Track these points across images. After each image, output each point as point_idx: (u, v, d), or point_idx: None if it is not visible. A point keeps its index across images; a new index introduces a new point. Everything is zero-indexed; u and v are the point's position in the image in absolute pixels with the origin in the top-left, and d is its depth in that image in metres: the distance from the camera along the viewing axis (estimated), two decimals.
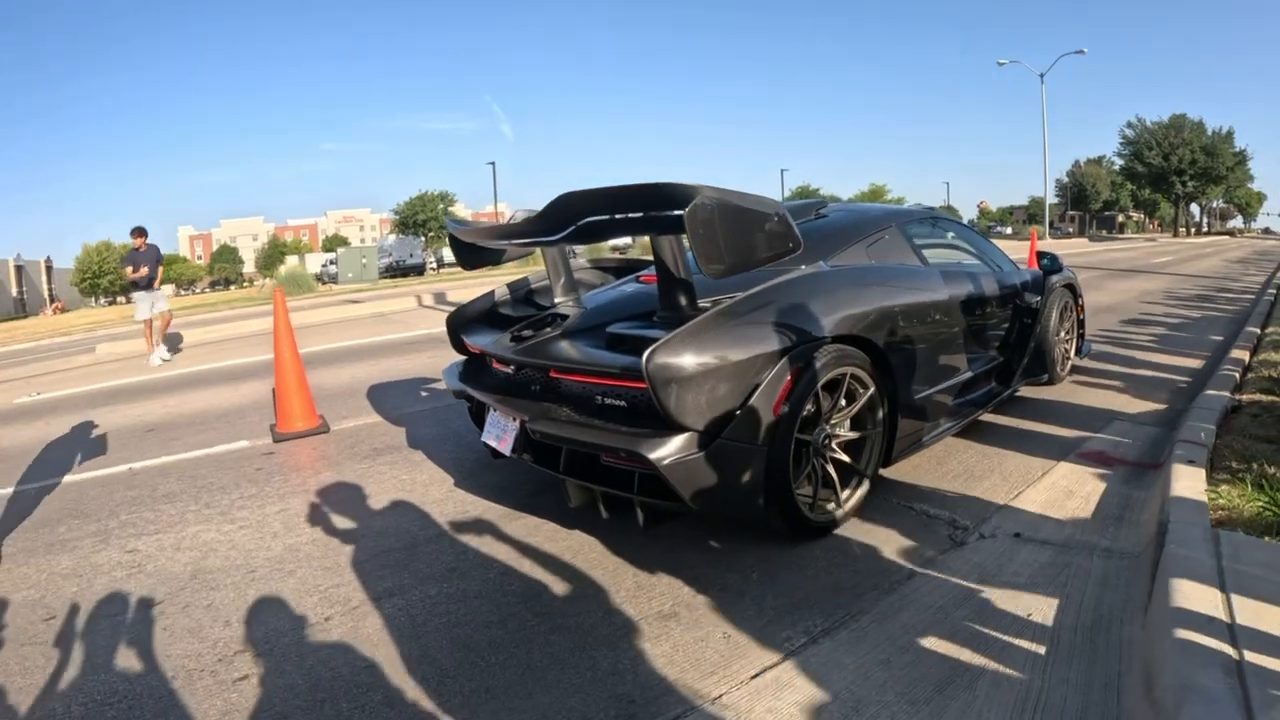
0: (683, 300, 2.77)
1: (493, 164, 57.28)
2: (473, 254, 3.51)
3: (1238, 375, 5.14)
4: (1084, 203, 73.36)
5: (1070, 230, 68.22)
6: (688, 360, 2.33)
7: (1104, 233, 66.34)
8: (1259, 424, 3.81)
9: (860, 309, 2.98)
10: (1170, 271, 17.17)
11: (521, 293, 3.97)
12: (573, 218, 2.57)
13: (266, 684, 2.09)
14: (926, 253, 3.93)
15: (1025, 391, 4.90)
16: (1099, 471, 3.51)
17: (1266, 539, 2.34)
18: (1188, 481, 2.88)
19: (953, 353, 3.66)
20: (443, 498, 3.47)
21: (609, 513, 2.75)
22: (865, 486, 2.99)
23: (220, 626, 2.45)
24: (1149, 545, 2.51)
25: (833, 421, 2.84)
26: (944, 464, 3.63)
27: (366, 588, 2.64)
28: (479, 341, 3.36)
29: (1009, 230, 66.73)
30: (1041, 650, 2.05)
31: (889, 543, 2.78)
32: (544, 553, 2.83)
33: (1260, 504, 2.62)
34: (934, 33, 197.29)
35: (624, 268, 4.29)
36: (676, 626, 2.25)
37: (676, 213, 2.23)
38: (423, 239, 52.53)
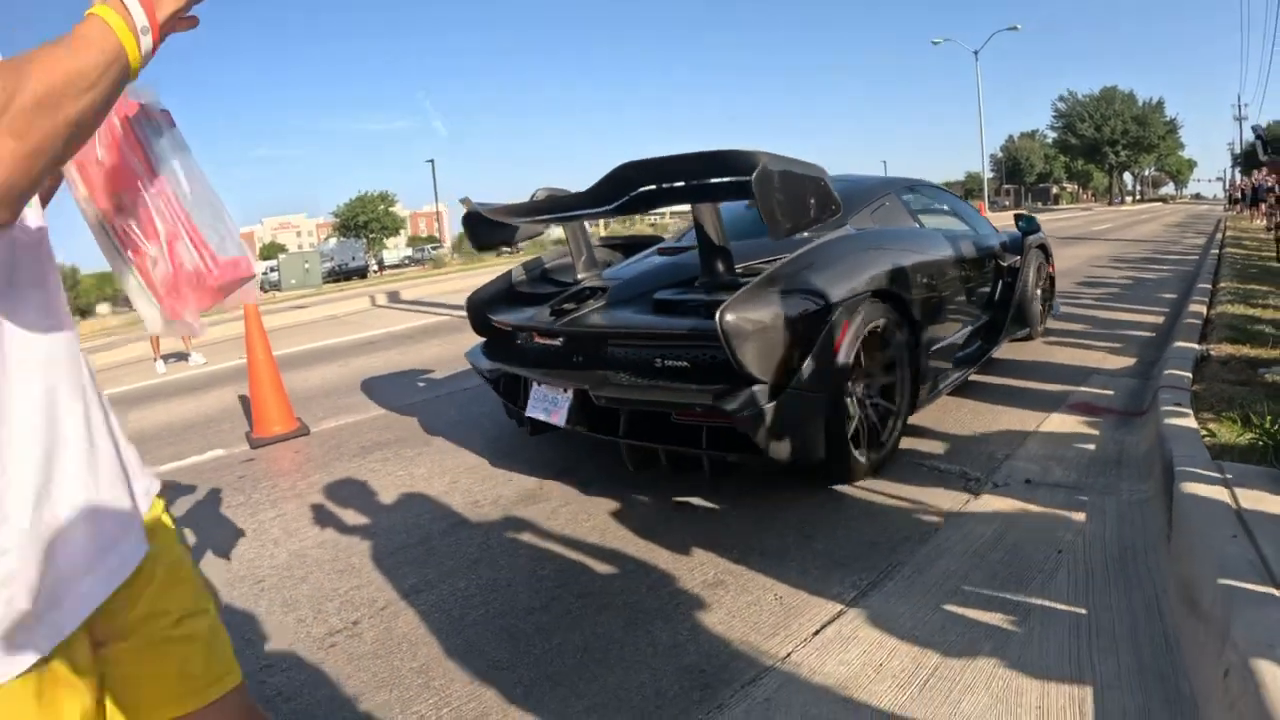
0: (722, 267, 3.02)
1: (432, 162, 59.19)
2: (486, 235, 3.71)
3: (1201, 327, 5.45)
4: (1018, 176, 76.13)
5: (1006, 204, 70.53)
6: (757, 316, 2.55)
7: (1039, 204, 68.83)
8: (1229, 370, 4.11)
9: (887, 267, 3.28)
10: (1113, 238, 18.05)
11: (537, 272, 4.19)
12: (628, 188, 2.75)
13: (303, 702, 2.02)
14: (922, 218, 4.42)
15: (1004, 353, 5.21)
16: (1089, 420, 3.77)
17: (1262, 466, 2.54)
18: (1180, 422, 3.11)
19: (959, 306, 4.07)
20: (447, 489, 3.48)
21: (672, 467, 3.14)
22: (900, 428, 3.32)
23: (239, 643, 2.37)
24: (1155, 482, 2.69)
25: (872, 370, 3.16)
26: (942, 423, 3.85)
27: (390, 587, 2.62)
28: (512, 318, 3.52)
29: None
30: (1079, 582, 2.24)
31: (910, 498, 2.96)
32: (570, 536, 2.88)
33: (1251, 436, 2.88)
34: (869, 13, 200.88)
35: (631, 244, 4.70)
36: (726, 594, 2.35)
37: (740, 179, 2.41)
38: (364, 241, 51.84)
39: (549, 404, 3.10)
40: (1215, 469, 2.56)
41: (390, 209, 63.39)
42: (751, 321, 2.52)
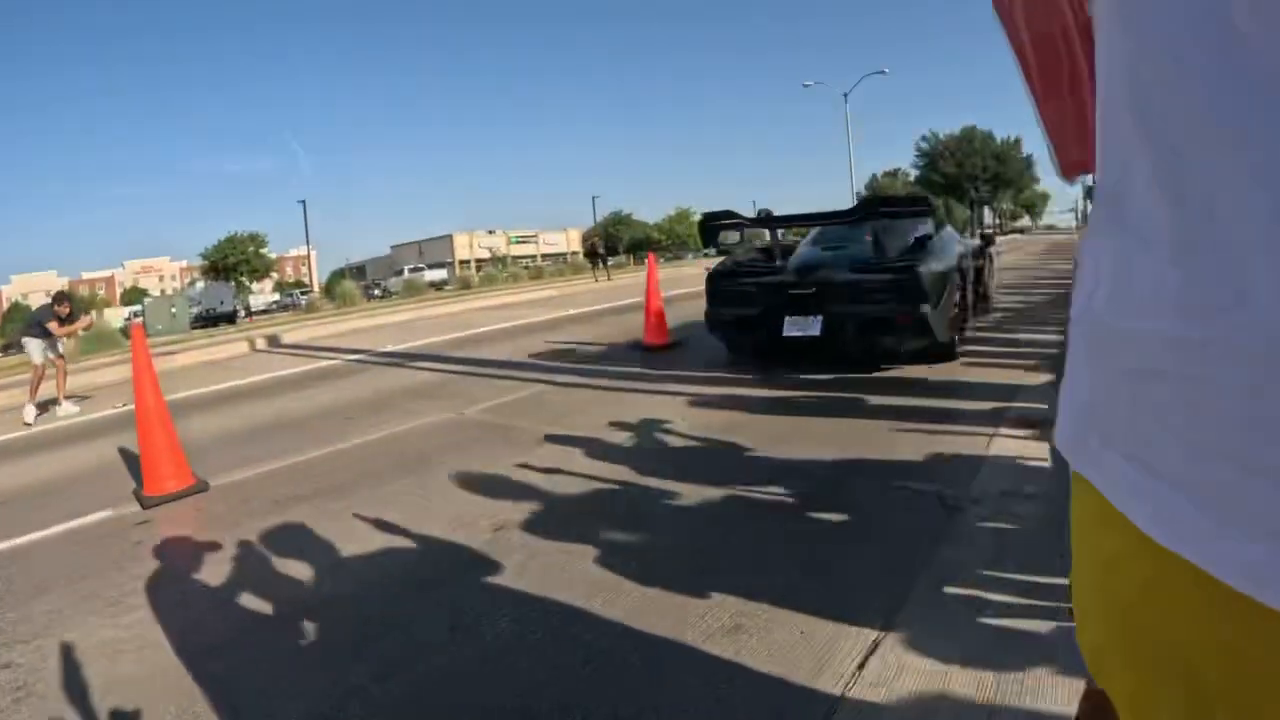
0: (856, 266, 6.09)
1: (303, 202, 57.44)
2: (717, 236, 7.32)
3: None
4: None
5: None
6: (929, 269, 5.62)
7: None
8: None
9: (958, 254, 6.53)
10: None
11: (730, 263, 7.16)
12: (873, 210, 6.28)
13: None
14: (978, 228, 11.56)
15: (927, 375, 5.63)
16: (1033, 434, 3.90)
17: None
18: None
19: (976, 275, 7.38)
20: (388, 547, 3.17)
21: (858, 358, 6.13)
22: (963, 336, 6.41)
23: None
24: None
25: (956, 302, 6.05)
26: (897, 448, 3.97)
27: (345, 672, 2.26)
28: (765, 280, 6.40)
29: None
30: None
31: (899, 521, 3.01)
32: (551, 595, 2.63)
33: None
34: (741, 56, 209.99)
35: (767, 252, 7.63)
36: (750, 638, 2.23)
37: (926, 206, 6.20)
38: (232, 284, 49.47)
39: (802, 326, 5.90)
40: None
41: (261, 250, 62.66)
42: (930, 275, 5.55)
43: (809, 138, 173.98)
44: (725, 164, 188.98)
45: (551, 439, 4.65)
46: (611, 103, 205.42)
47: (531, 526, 3.24)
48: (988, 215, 76.80)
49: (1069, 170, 1.46)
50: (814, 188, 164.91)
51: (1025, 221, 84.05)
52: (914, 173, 75.16)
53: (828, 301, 5.84)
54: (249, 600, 2.81)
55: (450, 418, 5.52)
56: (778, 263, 6.78)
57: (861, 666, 2.00)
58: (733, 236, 7.43)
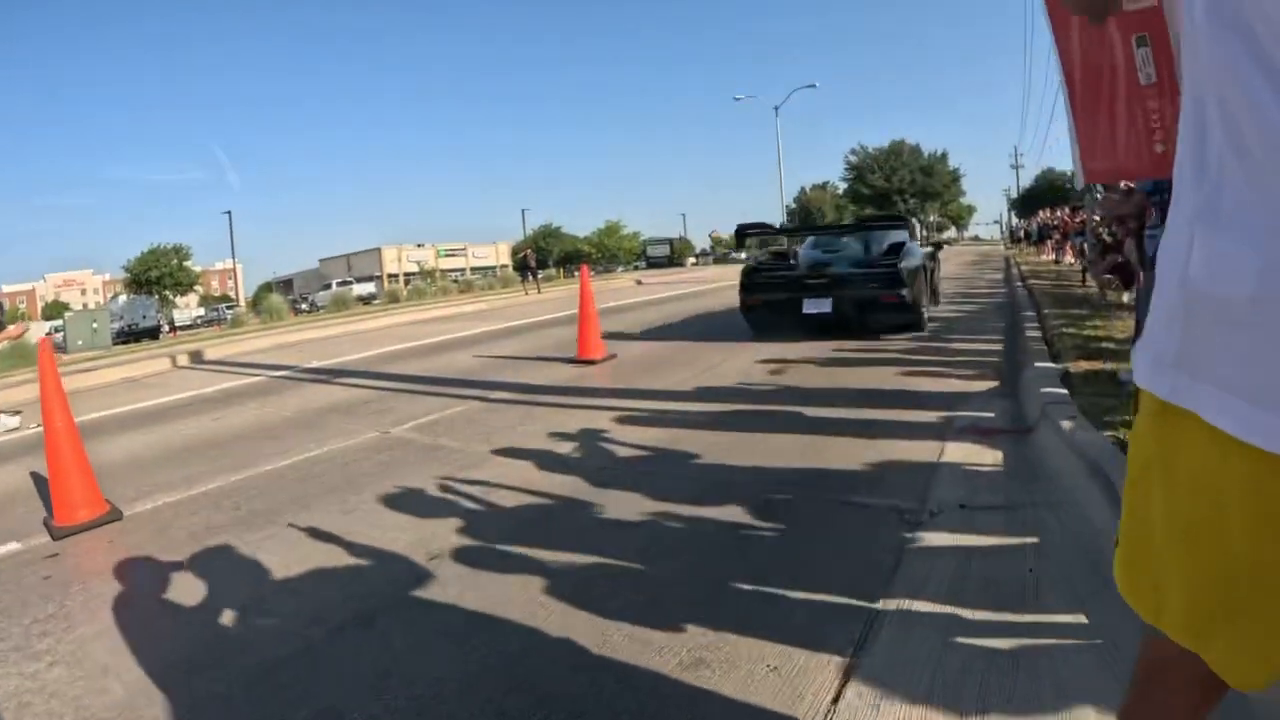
0: (855, 263, 8.86)
1: (229, 213, 58.64)
2: (745, 240, 11.30)
3: (1048, 349, 5.90)
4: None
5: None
6: (906, 266, 8.15)
7: None
8: (1092, 384, 4.49)
9: (923, 254, 9.30)
10: None
11: (754, 261, 10.65)
12: (863, 224, 11.16)
13: None
14: (933, 239, 18.24)
15: (872, 385, 5.63)
16: (984, 442, 3.95)
17: None
18: (1088, 434, 3.32)
19: (931, 272, 9.81)
20: (312, 581, 2.91)
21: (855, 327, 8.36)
22: (928, 314, 8.94)
23: None
24: (1090, 490, 2.81)
25: (925, 289, 8.91)
26: (847, 464, 3.91)
27: None
28: (787, 274, 8.92)
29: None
30: (1068, 595, 2.32)
31: (857, 539, 2.94)
32: (491, 637, 2.43)
33: None
34: (672, 69, 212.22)
35: (783, 253, 10.90)
36: (712, 673, 2.09)
37: (903, 222, 10.69)
38: (156, 298, 47.76)
39: (818, 306, 8.18)
40: None
41: (185, 263, 61.81)
42: (907, 270, 8.05)
43: (740, 151, 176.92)
44: (656, 177, 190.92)
45: (484, 458, 4.48)
46: (541, 115, 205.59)
47: (468, 554, 3.06)
48: (915, 226, 79.21)
49: (1091, 178, 1.96)
50: (744, 200, 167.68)
51: (951, 233, 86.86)
52: (842, 185, 76.94)
53: (835, 288, 8.32)
54: (161, 646, 2.52)
55: (377, 436, 5.31)
56: (792, 261, 9.55)
57: (836, 700, 1.90)
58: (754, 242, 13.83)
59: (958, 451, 3.90)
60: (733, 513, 3.28)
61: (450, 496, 3.80)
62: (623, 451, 4.43)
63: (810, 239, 10.72)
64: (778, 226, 10.59)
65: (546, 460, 4.33)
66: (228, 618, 2.69)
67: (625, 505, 3.47)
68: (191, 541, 3.50)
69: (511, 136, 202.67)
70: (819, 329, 8.44)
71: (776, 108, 50.02)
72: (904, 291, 7.97)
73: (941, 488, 3.38)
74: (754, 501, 3.38)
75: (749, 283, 9.16)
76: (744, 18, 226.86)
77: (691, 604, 2.49)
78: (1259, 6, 0.67)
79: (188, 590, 2.97)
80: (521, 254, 29.66)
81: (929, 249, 10.65)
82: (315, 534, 3.44)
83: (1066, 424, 3.61)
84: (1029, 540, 2.73)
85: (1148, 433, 0.85)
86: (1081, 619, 2.15)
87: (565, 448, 4.59)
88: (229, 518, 3.80)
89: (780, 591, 2.52)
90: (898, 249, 8.81)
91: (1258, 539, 0.73)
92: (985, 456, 3.79)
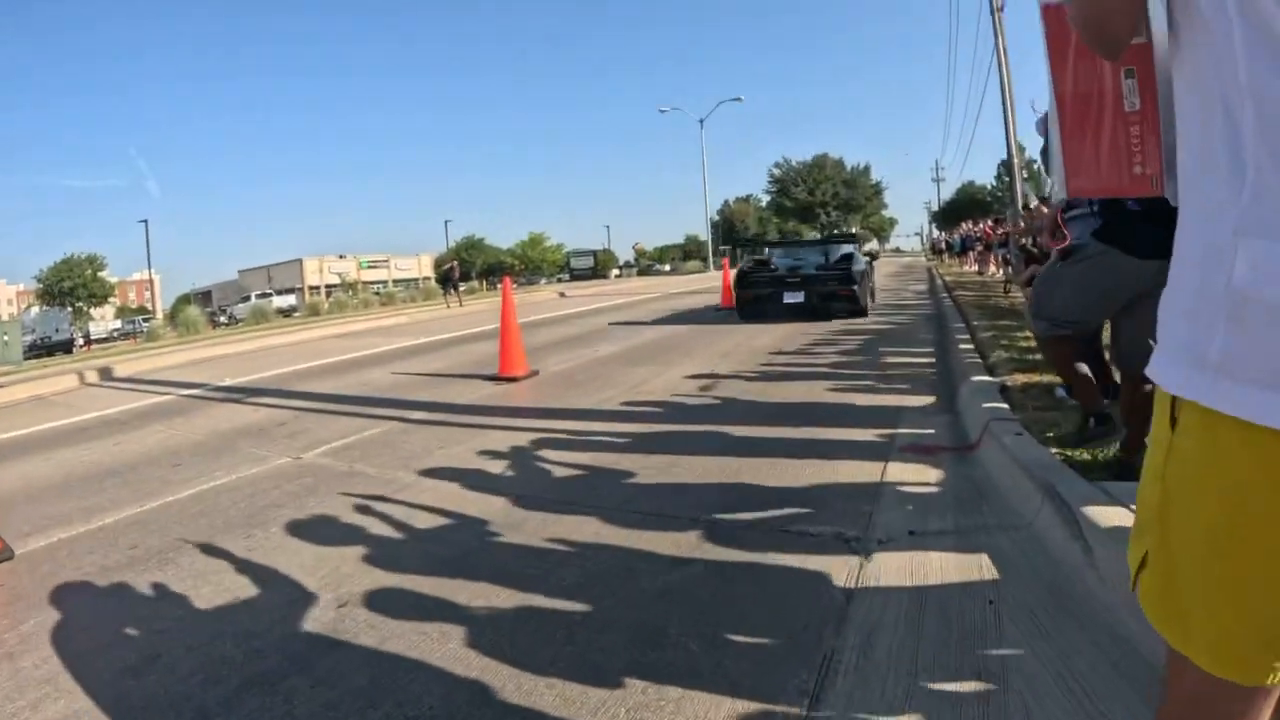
0: (822, 262, 12.79)
1: (145, 222, 57.37)
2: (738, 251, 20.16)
3: (983, 362, 5.90)
4: (734, 238, 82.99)
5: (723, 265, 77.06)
6: (857, 270, 12.15)
7: None
8: (1031, 398, 4.47)
9: (866, 260, 14.28)
10: None
11: (745, 267, 13.76)
12: (823, 241, 16.60)
13: None
14: (868, 250, 19.06)
15: (807, 400, 5.52)
16: (927, 460, 3.86)
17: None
18: (1034, 450, 3.27)
19: (871, 274, 13.98)
20: (210, 636, 2.52)
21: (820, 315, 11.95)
22: (872, 302, 13.26)
23: None
24: (1042, 511, 2.72)
25: (865, 285, 12.63)
26: (788, 486, 3.77)
27: None
28: (770, 275, 12.63)
29: (667, 268, 73.09)
30: (1032, 629, 2.21)
31: (803, 574, 2.76)
32: (407, 698, 2.12)
33: (1110, 455, 3.23)
34: (597, 81, 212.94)
35: (764, 260, 13.85)
36: None
37: (851, 238, 17.26)
38: (69, 310, 45.53)
39: (795, 297, 11.88)
40: (1100, 491, 2.76)
41: (99, 274, 61.16)
42: (856, 272, 11.99)
43: (665, 163, 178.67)
44: (581, 189, 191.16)
45: (401, 486, 4.18)
46: (464, 126, 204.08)
47: (382, 600, 2.78)
48: (813, 236, 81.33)
49: (1075, 193, 2.07)
50: (668, 213, 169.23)
51: (874, 245, 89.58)
52: (766, 198, 78.36)
53: (806, 285, 12.02)
54: (43, 705, 2.25)
55: (289, 462, 4.96)
56: (773, 266, 13.03)
57: None
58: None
59: (900, 471, 3.81)
60: (668, 544, 3.08)
61: (364, 531, 3.51)
62: (548, 477, 4.19)
63: (783, 250, 14.72)
64: (766, 240, 21.54)
65: (468, 487, 4.06)
66: (113, 681, 2.35)
67: (553, 538, 3.24)
68: (83, 587, 3.12)
69: (436, 147, 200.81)
70: (795, 314, 12.08)
71: (701, 120, 50.82)
72: (855, 288, 11.83)
73: (887, 512, 3.26)
74: (690, 531, 3.19)
75: (743, 282, 12.83)
76: (670, 31, 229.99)
77: (628, 653, 2.27)
78: None
79: (73, 646, 2.59)
80: (446, 266, 29.08)
81: (867, 258, 15.00)
82: (216, 577, 3.11)
83: (1012, 439, 3.53)
84: (985, 567, 2.61)
85: (1197, 447, 0.82)
86: (1049, 654, 2.04)
87: (487, 473, 4.34)
88: (125, 557, 3.44)
89: (725, 635, 2.33)
90: (849, 258, 12.62)
91: None
92: (929, 476, 3.70)
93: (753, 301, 12.51)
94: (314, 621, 2.63)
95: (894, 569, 2.69)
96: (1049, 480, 2.90)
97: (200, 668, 2.37)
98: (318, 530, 3.58)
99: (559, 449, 4.78)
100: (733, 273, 14.14)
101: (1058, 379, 4.61)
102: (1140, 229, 2.70)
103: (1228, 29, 0.77)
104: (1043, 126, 3.77)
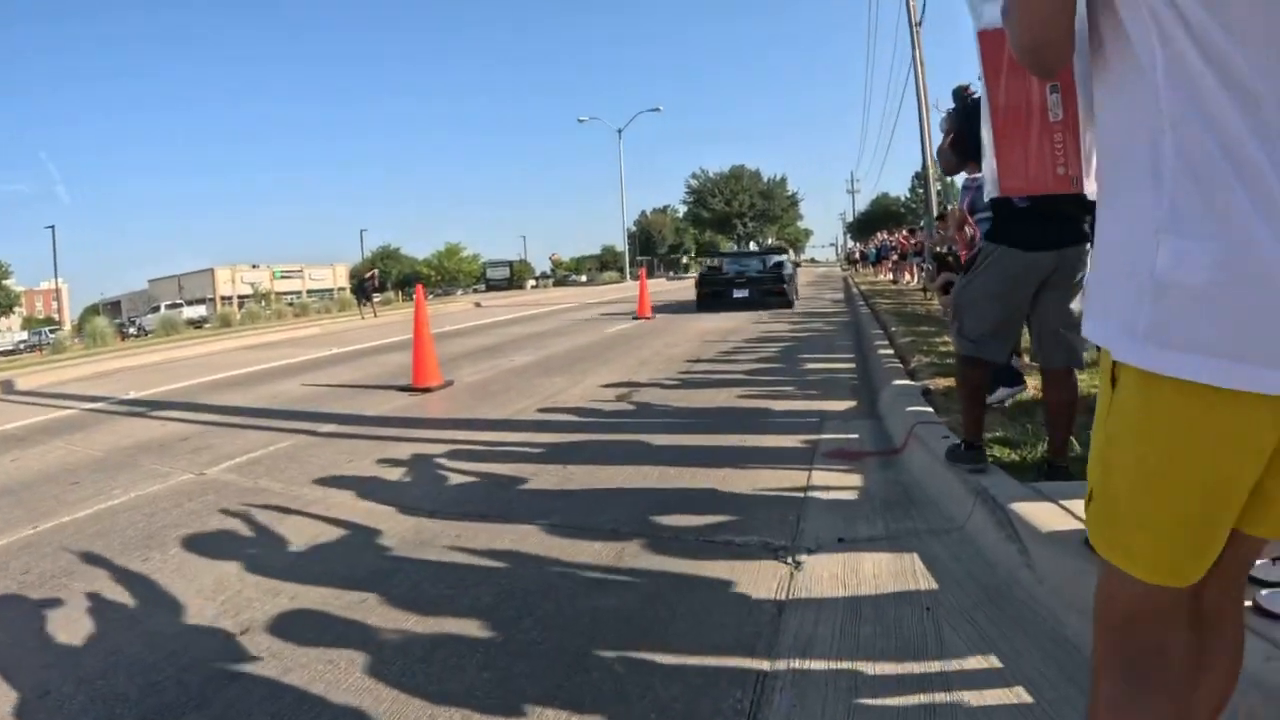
0: (760, 268, 18.07)
1: (52, 228, 56.05)
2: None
3: (904, 367, 5.94)
4: (651, 248, 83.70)
5: (637, 274, 77.41)
6: (786, 274, 17.32)
7: (672, 274, 76.08)
8: (954, 401, 4.55)
9: (791, 265, 19.89)
10: None
11: (711, 275, 18.69)
12: (761, 252, 22.82)
13: None
14: (794, 260, 30.00)
15: (727, 407, 5.53)
16: (852, 466, 3.83)
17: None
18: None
19: (794, 276, 18.69)
20: (104, 669, 2.28)
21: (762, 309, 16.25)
22: (796, 301, 17.78)
23: None
24: (975, 514, 2.71)
25: (792, 285, 17.97)
26: (711, 495, 3.69)
27: None
28: (722, 277, 17.90)
29: (584, 279, 73.20)
30: (973, 636, 2.15)
31: (731, 586, 2.66)
32: None
33: (1018, 455, 3.35)
34: (514, 91, 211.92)
35: (718, 266, 19.35)
36: None
37: (782, 249, 26.71)
38: None
39: (742, 292, 16.78)
40: (1032, 490, 2.77)
41: (4, 282, 59.29)
42: (786, 275, 17.16)
43: (582, 174, 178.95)
44: (498, 199, 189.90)
45: (309, 501, 3.93)
46: (379, 134, 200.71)
47: (286, 625, 2.56)
48: (753, 249, 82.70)
49: (1005, 193, 2.49)
50: (584, 223, 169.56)
51: (790, 255, 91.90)
52: (683, 209, 79.16)
53: (750, 285, 16.50)
54: None
55: (191, 479, 4.63)
56: (724, 271, 17.94)
57: None
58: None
59: (825, 478, 3.77)
60: (590, 559, 2.94)
61: (268, 551, 3.28)
62: (463, 491, 3.99)
63: (730, 259, 20.36)
64: (721, 252, 23.92)
65: (378, 503, 3.83)
66: None
67: (468, 554, 3.06)
68: None
69: (351, 157, 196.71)
70: (741, 306, 16.50)
71: (619, 130, 50.99)
72: (785, 286, 16.54)
73: (815, 519, 3.20)
74: (612, 544, 3.06)
75: (703, 282, 17.95)
76: (590, 42, 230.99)
77: (550, 678, 2.11)
78: (1217, 64, 0.90)
79: None
80: (367, 274, 27.91)
81: (794, 266, 20.07)
82: (111, 603, 2.90)
83: (937, 443, 3.51)
84: (919, 572, 2.55)
85: (1132, 402, 1.01)
86: (992, 659, 2.01)
87: (398, 488, 4.11)
88: (15, 583, 3.15)
89: (651, 657, 2.19)
90: (780, 264, 17.80)
91: (1232, 467, 0.96)
92: (856, 482, 3.67)
93: (710, 296, 17.23)
94: (214, 650, 2.44)
95: (825, 578, 2.62)
96: (980, 482, 2.87)
97: (92, 704, 2.16)
98: (219, 551, 3.34)
99: (473, 461, 4.59)
100: (691, 278, 18.53)
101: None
102: (1029, 225, 2.85)
103: (1152, 60, 0.95)
104: (946, 124, 3.79)
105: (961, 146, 3.34)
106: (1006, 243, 2.94)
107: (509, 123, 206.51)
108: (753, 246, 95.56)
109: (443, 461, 4.63)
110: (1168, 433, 0.97)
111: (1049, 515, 2.44)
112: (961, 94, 3.46)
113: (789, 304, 16.23)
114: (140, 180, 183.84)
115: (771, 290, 16.26)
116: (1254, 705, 1.53)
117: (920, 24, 15.03)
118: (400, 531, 3.43)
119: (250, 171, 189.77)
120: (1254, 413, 0.92)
